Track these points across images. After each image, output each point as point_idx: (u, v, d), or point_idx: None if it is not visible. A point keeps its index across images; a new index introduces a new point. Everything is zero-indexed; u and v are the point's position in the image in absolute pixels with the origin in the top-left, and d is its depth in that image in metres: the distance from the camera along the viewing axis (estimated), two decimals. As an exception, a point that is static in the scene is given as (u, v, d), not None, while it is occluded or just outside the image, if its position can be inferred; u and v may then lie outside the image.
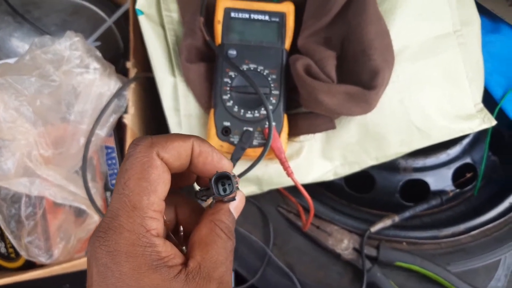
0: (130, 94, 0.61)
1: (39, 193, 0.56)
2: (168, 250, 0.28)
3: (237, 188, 0.32)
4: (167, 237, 0.33)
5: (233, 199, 0.32)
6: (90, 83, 0.56)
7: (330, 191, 0.70)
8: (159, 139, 0.29)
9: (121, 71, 0.64)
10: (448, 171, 0.68)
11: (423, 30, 0.58)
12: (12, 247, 0.65)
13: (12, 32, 0.65)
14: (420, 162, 0.68)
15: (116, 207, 0.28)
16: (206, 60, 0.58)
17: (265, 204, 0.66)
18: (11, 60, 0.62)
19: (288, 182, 0.59)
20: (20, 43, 0.65)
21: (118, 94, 0.59)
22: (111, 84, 0.59)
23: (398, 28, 0.57)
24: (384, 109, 0.58)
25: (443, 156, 0.68)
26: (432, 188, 0.68)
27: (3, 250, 0.65)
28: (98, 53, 0.58)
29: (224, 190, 0.31)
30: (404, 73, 0.57)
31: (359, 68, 0.54)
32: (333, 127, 0.57)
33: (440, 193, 0.67)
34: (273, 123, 0.55)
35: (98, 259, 0.27)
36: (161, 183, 0.28)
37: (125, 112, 0.61)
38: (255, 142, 0.55)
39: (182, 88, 0.58)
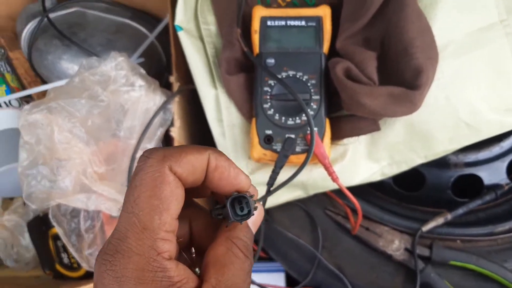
0: (175, 108, 0.62)
1: (96, 207, 0.59)
2: (181, 274, 0.26)
3: (255, 208, 0.30)
4: (179, 256, 0.31)
5: (253, 214, 0.30)
6: (136, 100, 0.59)
7: (378, 190, 0.69)
8: (172, 152, 0.27)
9: (165, 86, 0.66)
10: (502, 164, 0.66)
11: (467, 22, 0.56)
12: (74, 257, 0.69)
13: (61, 55, 0.68)
14: (472, 157, 0.66)
15: (124, 227, 0.25)
16: (245, 71, 0.59)
17: (312, 207, 0.66)
18: (62, 82, 0.65)
19: (334, 186, 0.59)
20: (69, 65, 0.68)
21: (163, 107, 0.61)
22: (157, 99, 0.61)
23: (440, 23, 0.55)
24: (430, 106, 0.56)
25: (496, 149, 0.65)
26: (486, 182, 0.66)
27: (66, 260, 0.70)
28: (142, 71, 0.60)
29: (242, 209, 0.29)
30: (449, 69, 0.56)
31: (402, 68, 0.53)
32: (377, 128, 0.57)
33: (495, 187, 0.65)
34: (315, 129, 0.55)
35: (105, 285, 0.25)
36: (174, 201, 0.26)
37: (172, 125, 0.62)
38: (298, 149, 0.56)
39: (223, 99, 0.60)
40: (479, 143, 0.62)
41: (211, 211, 0.31)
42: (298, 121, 0.56)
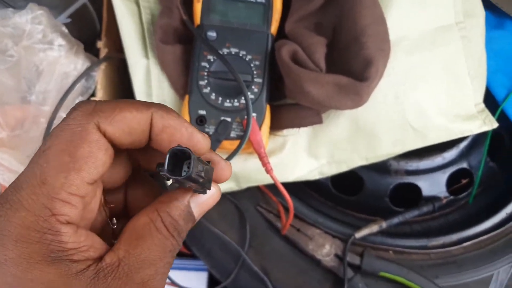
0: (99, 76, 0.55)
1: (-8, 179, 0.51)
2: (79, 241, 0.22)
3: (207, 185, 0.25)
4: (104, 225, 0.27)
5: (203, 191, 0.25)
6: (54, 60, 0.51)
7: (314, 191, 0.65)
8: (104, 107, 0.23)
9: (96, 54, 0.58)
10: (443, 176, 0.64)
11: (423, 19, 0.53)
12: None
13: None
14: (413, 165, 0.63)
15: (23, 177, 0.22)
16: (183, 42, 0.53)
17: (244, 202, 0.61)
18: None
19: (268, 180, 0.54)
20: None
21: (85, 74, 0.53)
22: (79, 64, 0.53)
23: (395, 16, 0.52)
24: (377, 104, 0.53)
25: (438, 160, 0.63)
26: (425, 193, 0.63)
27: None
28: (64, 29, 0.53)
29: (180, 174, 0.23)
30: (400, 65, 0.52)
31: (351, 57, 0.49)
32: (319, 121, 0.52)
33: (433, 199, 0.62)
34: (254, 114, 0.50)
35: None
36: (91, 163, 0.23)
37: (93, 95, 0.55)
38: (233, 134, 0.50)
39: (155, 71, 0.53)
40: (421, 151, 0.59)
41: (156, 167, 0.25)
42: (236, 103, 0.50)
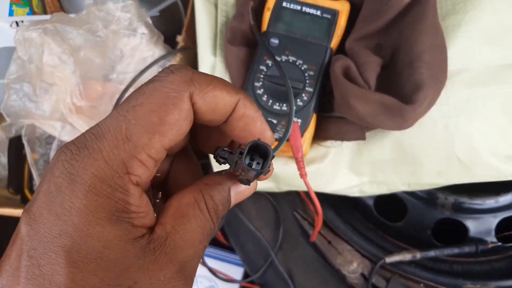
0: (173, 66, 0.61)
1: (69, 139, 0.59)
2: (141, 206, 0.22)
3: (268, 171, 0.25)
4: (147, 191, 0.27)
5: (247, 182, 0.25)
6: (135, 46, 0.58)
7: (357, 210, 0.65)
8: (201, 78, 0.23)
9: (175, 46, 0.65)
10: (493, 220, 0.61)
11: (488, 55, 0.52)
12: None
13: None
14: (463, 202, 0.61)
15: (107, 127, 0.22)
16: (249, 46, 0.57)
17: (283, 205, 0.64)
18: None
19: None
20: (90, 1, 0.68)
21: (159, 60, 0.59)
22: (156, 52, 0.60)
23: (458, 48, 0.51)
24: (426, 131, 0.52)
25: (490, 202, 0.61)
26: (471, 234, 0.61)
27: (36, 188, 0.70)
28: (149, 20, 0.60)
29: (250, 166, 0.24)
30: (456, 96, 0.52)
31: (403, 81, 0.50)
32: (363, 138, 0.53)
33: (478, 241, 0.60)
34: (299, 120, 0.53)
35: (54, 176, 0.21)
36: (175, 131, 0.22)
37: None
38: (276, 135, 0.53)
39: (220, 69, 0.58)
40: (474, 188, 0.58)
41: (216, 150, 0.26)
42: (284, 107, 0.53)
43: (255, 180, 0.26)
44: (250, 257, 0.63)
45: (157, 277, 0.22)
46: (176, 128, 0.22)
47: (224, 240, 0.72)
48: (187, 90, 0.22)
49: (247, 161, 0.24)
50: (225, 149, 0.25)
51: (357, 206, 0.65)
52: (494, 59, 0.52)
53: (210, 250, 0.73)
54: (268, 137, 0.26)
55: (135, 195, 0.22)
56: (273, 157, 0.24)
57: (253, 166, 0.24)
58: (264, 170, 0.24)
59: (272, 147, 0.24)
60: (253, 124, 0.25)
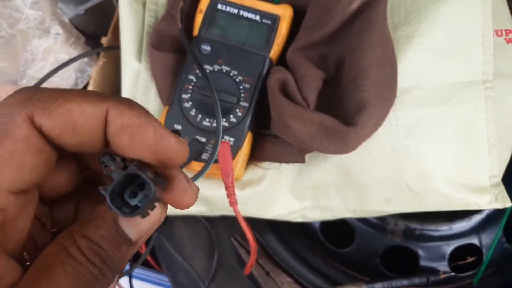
0: (94, 73, 0.54)
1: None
2: None
3: (153, 204, 0.19)
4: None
5: (145, 212, 0.20)
6: (48, 48, 0.50)
7: (303, 234, 0.60)
8: (46, 94, 0.19)
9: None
10: (446, 248, 0.56)
11: (443, 70, 0.46)
12: None
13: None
14: (414, 229, 0.56)
15: None
16: (180, 52, 0.50)
17: (219, 230, 0.57)
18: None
19: (244, 212, 0.50)
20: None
21: (74, 60, 0.52)
22: (74, 55, 0.52)
23: (410, 62, 0.46)
24: (373, 155, 0.47)
25: (444, 229, 0.56)
26: (422, 263, 0.56)
27: None
28: (65, 18, 0.52)
29: (135, 194, 0.19)
30: (407, 117, 0.46)
31: (346, 99, 0.44)
32: (302, 161, 0.47)
33: (429, 271, 0.55)
34: (231, 139, 0.46)
35: None
36: (13, 167, 0.18)
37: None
38: (204, 156, 0.47)
39: (144, 76, 0.51)
40: (426, 215, 0.52)
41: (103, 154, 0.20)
42: (214, 124, 0.47)
43: (161, 204, 0.21)
44: None
45: None
46: (14, 163, 0.18)
47: (156, 265, 0.65)
48: (23, 111, 0.18)
49: (115, 203, 0.18)
50: (114, 156, 0.20)
51: (303, 231, 0.59)
52: (449, 76, 0.46)
53: (139, 271, 0.66)
54: (171, 146, 0.20)
55: None
56: (157, 199, 0.19)
57: (134, 202, 0.19)
58: (136, 214, 0.18)
59: (186, 161, 0.18)
60: (142, 134, 0.19)
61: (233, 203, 0.45)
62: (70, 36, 0.52)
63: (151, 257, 0.64)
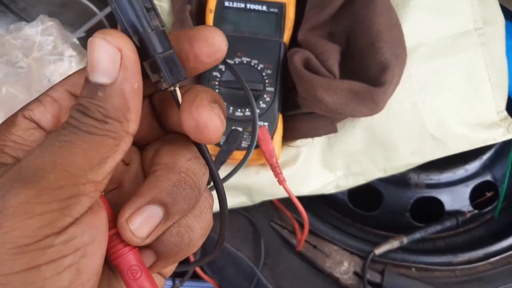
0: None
1: None
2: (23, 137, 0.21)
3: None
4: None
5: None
6: (64, 72, 0.51)
7: (331, 207, 0.63)
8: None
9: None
10: (466, 189, 0.61)
11: (440, 25, 0.51)
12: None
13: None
14: (434, 178, 0.60)
15: None
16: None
17: (258, 217, 0.59)
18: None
19: (282, 193, 0.52)
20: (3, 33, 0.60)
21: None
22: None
23: (411, 23, 0.50)
24: (394, 113, 0.51)
25: (460, 172, 0.61)
26: (447, 207, 0.60)
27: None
28: (76, 40, 0.53)
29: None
30: (418, 72, 0.51)
31: (366, 63, 0.47)
32: (334, 130, 0.51)
33: (456, 213, 0.59)
34: (266, 124, 0.49)
35: None
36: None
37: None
38: (244, 144, 0.49)
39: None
40: (443, 163, 0.57)
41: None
42: (247, 113, 0.49)
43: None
44: (232, 281, 0.58)
45: None
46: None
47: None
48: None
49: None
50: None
51: (330, 203, 0.62)
52: (446, 29, 0.51)
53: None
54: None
55: (20, 126, 0.21)
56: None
57: None
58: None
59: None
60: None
61: (282, 181, 0.48)
62: (83, 57, 0.52)
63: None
